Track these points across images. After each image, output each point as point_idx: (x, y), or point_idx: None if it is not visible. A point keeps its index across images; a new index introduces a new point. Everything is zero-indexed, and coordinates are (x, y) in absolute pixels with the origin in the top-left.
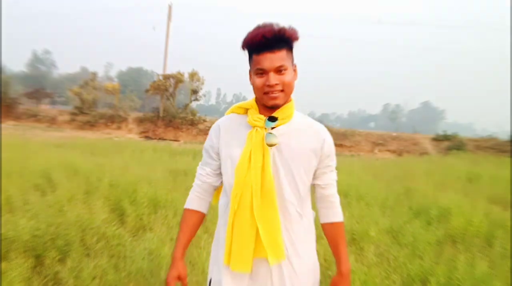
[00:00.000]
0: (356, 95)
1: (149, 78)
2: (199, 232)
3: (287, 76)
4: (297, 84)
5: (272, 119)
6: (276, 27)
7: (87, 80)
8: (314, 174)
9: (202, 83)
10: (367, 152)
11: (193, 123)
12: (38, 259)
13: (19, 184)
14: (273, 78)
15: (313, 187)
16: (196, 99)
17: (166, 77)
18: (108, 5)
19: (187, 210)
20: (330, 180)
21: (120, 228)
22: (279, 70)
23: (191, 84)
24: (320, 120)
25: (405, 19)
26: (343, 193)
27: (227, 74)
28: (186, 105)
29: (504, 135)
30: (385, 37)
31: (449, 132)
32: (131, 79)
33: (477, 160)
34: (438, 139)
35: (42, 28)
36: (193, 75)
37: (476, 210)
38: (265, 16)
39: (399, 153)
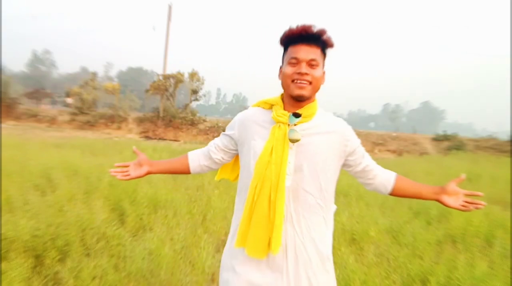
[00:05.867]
0: (356, 95)
1: (149, 78)
2: (199, 231)
3: (317, 71)
4: None
5: (296, 115)
6: (316, 26)
7: (87, 80)
8: (353, 169)
9: (202, 83)
10: (367, 152)
11: (193, 123)
12: (38, 259)
13: (19, 184)
14: (305, 68)
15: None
16: (196, 99)
17: (166, 77)
18: (108, 5)
19: (185, 155)
20: (369, 161)
21: (120, 228)
22: (311, 64)
23: (191, 84)
24: None
25: (405, 19)
26: (343, 193)
27: (227, 74)
28: (186, 105)
29: (504, 135)
30: (385, 37)
31: (449, 132)
32: (131, 79)
33: (477, 160)
34: (438, 139)
35: (42, 28)
36: (193, 75)
37: (476, 210)
38: (265, 15)
39: (399, 153)
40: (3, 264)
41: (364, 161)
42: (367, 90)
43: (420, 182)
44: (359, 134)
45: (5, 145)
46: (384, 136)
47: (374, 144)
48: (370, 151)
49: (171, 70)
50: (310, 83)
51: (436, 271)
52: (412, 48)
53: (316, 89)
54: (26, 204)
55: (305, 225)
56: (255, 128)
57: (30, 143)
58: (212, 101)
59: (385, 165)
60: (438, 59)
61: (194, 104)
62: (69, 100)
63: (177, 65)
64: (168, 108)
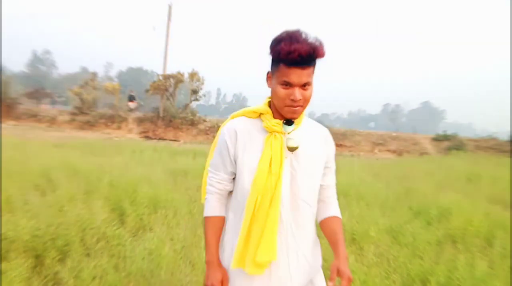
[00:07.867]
0: (356, 95)
1: (149, 78)
2: (198, 232)
3: (309, 92)
4: None
5: (289, 123)
6: (310, 45)
7: (87, 80)
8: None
9: (202, 83)
10: (367, 152)
11: (193, 123)
12: (38, 259)
13: (19, 184)
14: (298, 93)
15: None
16: (196, 99)
17: (166, 77)
18: (108, 5)
19: (212, 217)
20: (331, 181)
21: (120, 228)
22: (303, 86)
23: (191, 84)
24: (320, 120)
25: (406, 19)
26: (343, 193)
27: (227, 74)
28: (186, 105)
29: (504, 136)
30: (386, 37)
31: (449, 132)
32: (131, 79)
33: (477, 160)
34: (438, 139)
35: (42, 28)
36: (193, 75)
37: (476, 210)
38: (265, 15)
39: (399, 153)
40: (3, 264)
41: (330, 174)
42: (367, 90)
43: (420, 182)
44: (359, 134)
45: (5, 145)
46: (384, 136)
47: (374, 143)
48: (370, 151)
49: (171, 70)
50: (302, 105)
51: (436, 271)
52: (413, 48)
53: (306, 107)
54: (26, 204)
55: (305, 236)
56: (246, 141)
57: (30, 142)
58: (212, 101)
59: (385, 165)
60: (438, 59)
61: (194, 104)
62: (132, 105)
63: (177, 65)
64: (168, 108)
